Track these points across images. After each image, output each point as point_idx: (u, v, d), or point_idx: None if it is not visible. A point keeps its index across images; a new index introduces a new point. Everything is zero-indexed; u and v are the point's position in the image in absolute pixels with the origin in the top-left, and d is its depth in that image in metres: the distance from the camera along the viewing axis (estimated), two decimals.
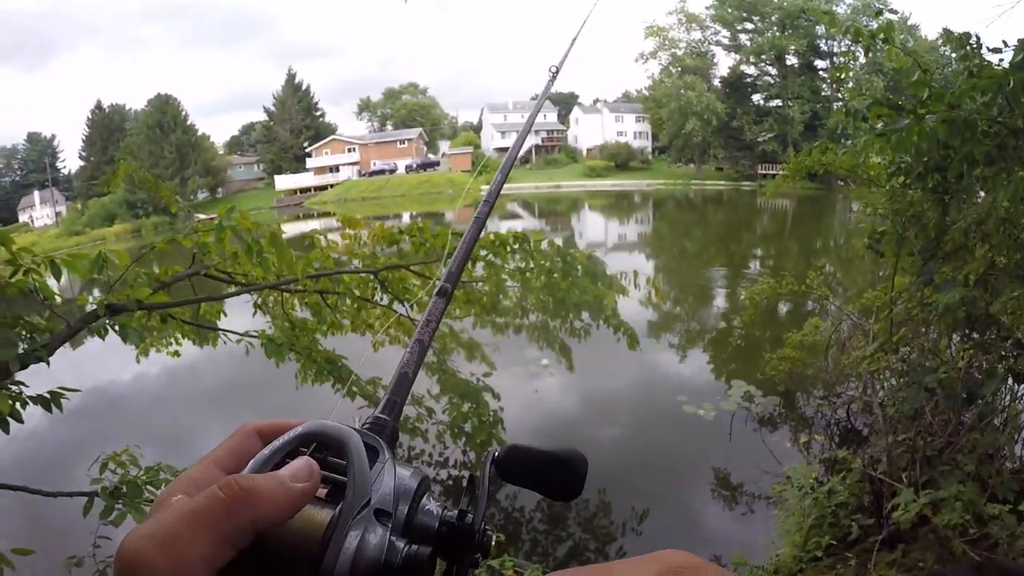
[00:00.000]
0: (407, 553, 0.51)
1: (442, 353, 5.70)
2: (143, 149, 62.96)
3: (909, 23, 55.74)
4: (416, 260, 4.84)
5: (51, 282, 3.40)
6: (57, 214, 68.39)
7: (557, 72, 1.54)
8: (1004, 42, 3.63)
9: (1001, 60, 3.63)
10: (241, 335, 4.48)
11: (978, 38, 3.73)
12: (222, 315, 5.57)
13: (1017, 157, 3.56)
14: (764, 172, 55.75)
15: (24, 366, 3.23)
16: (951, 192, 4.30)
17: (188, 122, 66.22)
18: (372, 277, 4.78)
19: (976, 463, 4.40)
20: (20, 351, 3.25)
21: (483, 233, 0.85)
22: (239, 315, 6.41)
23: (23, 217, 72.21)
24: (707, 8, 62.77)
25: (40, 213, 70.96)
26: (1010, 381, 4.43)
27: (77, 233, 54.68)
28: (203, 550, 0.43)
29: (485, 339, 6.83)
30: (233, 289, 4.49)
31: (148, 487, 3.44)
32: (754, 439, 8.35)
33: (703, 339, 14.04)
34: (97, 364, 12.85)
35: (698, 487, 7.54)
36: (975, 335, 4.41)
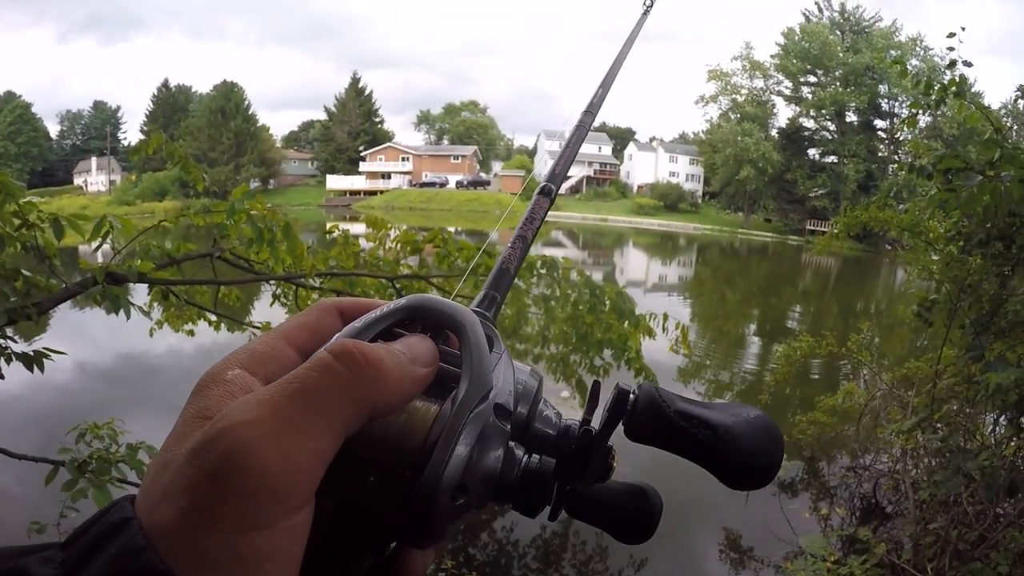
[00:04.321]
0: (527, 466, 0.44)
1: None
2: (203, 131, 64.33)
3: (972, 90, 55.04)
4: (438, 273, 4.66)
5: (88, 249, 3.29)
6: (111, 182, 69.90)
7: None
8: None
9: None
10: (243, 324, 4.33)
11: None
12: (255, 301, 5.38)
13: None
14: (813, 228, 54.95)
15: (12, 321, 3.07)
16: (1014, 263, 4.02)
17: (250, 111, 67.50)
18: (389, 284, 4.61)
19: (1011, 563, 4.04)
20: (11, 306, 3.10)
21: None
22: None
23: (78, 180, 74.26)
24: (772, 57, 62.43)
25: (95, 179, 72.71)
26: None
27: (127, 203, 55.31)
28: (319, 445, 0.35)
29: None
30: (244, 276, 4.33)
31: (121, 464, 3.25)
32: (771, 504, 7.96)
33: (732, 391, 13.66)
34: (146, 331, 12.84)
35: (705, 545, 7.22)
36: None
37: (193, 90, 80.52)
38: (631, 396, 0.46)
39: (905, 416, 5.71)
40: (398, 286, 4.55)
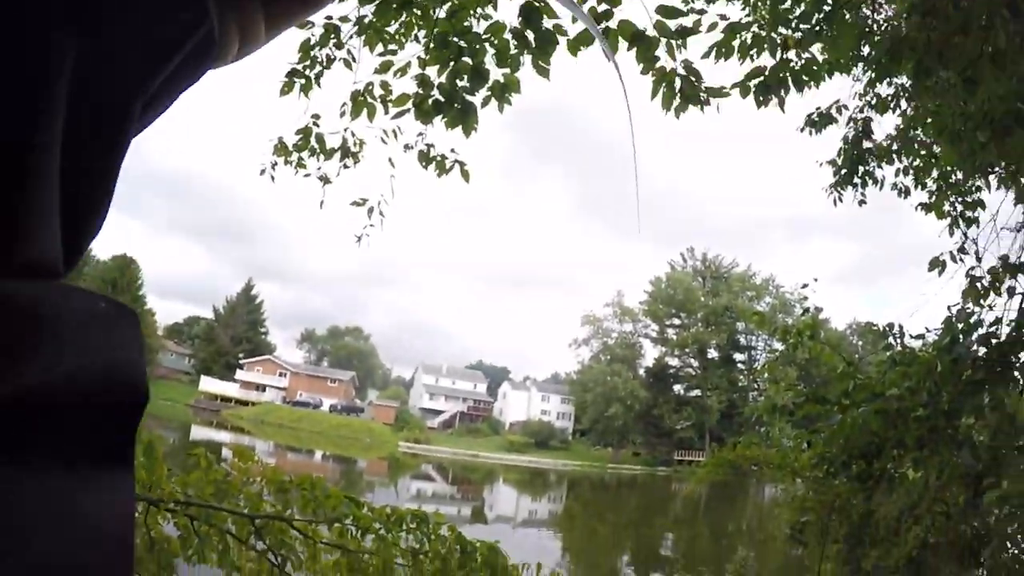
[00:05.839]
0: None
1: None
2: None
3: (821, 316, 61.01)
4: (301, 517, 4.44)
5: None
6: None
7: None
8: (927, 328, 3.76)
9: (923, 346, 3.74)
10: None
11: (901, 327, 3.85)
12: None
13: (948, 437, 3.54)
14: (680, 458, 56.66)
15: None
16: (876, 478, 4.21)
17: (140, 291, 65.01)
18: (249, 522, 4.31)
19: None
20: None
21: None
22: None
23: None
24: (640, 303, 68.28)
25: None
26: None
27: None
28: None
29: None
30: None
31: None
32: None
33: None
34: None
35: None
36: None
37: (91, 253, 77.32)
38: None
39: None
40: (257, 524, 4.28)
